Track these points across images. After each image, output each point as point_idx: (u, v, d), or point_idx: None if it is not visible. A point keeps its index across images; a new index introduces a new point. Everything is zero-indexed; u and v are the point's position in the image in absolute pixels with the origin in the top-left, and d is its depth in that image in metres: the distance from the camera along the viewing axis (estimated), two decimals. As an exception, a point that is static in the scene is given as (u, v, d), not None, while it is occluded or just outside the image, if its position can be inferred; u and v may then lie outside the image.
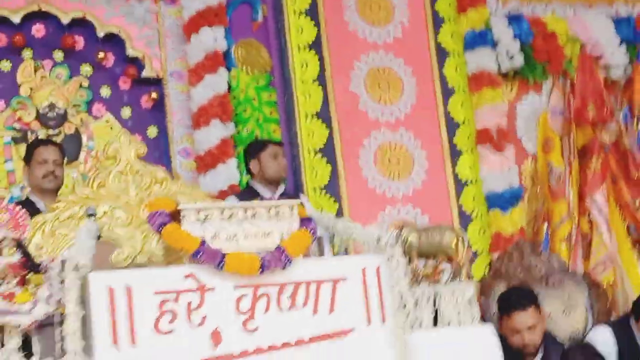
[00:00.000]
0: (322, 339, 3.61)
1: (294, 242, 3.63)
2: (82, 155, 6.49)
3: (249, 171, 5.73)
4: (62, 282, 3.36)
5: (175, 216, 3.62)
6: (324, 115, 6.49)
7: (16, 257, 3.44)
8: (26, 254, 3.48)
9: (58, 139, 6.32)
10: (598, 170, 6.82)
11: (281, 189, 5.66)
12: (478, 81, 6.83)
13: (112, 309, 3.35)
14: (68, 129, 6.45)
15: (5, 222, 3.48)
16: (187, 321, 3.44)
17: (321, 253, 4.33)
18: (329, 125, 6.48)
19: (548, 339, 4.62)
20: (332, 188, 6.39)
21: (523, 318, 4.42)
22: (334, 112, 6.51)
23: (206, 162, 6.37)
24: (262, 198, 5.43)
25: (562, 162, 6.90)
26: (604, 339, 4.61)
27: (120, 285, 3.38)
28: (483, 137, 6.77)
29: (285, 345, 3.55)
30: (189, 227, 3.54)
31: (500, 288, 5.44)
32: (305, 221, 3.74)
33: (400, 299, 3.70)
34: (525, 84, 7.19)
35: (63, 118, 6.44)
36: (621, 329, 4.72)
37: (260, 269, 3.52)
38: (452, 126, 6.79)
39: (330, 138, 6.46)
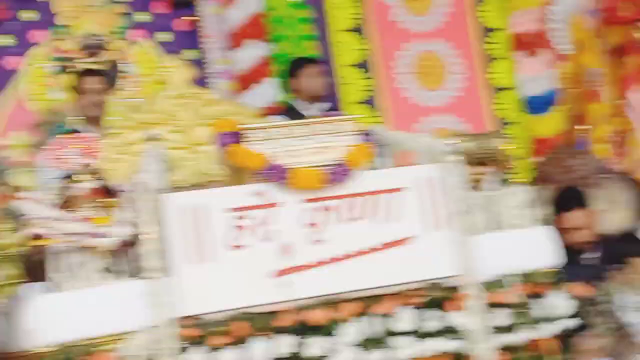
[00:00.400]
0: (385, 248, 3.74)
1: (355, 156, 3.74)
2: (123, 81, 6.59)
3: (290, 90, 5.81)
4: (137, 204, 3.51)
5: (239, 136, 3.73)
6: (358, 29, 6.53)
7: (92, 183, 3.59)
8: (101, 180, 3.63)
9: (99, 66, 6.43)
10: (633, 69, 6.84)
11: (322, 106, 5.75)
12: (511, -14, 6.87)
13: (186, 228, 3.50)
14: (108, 55, 6.55)
15: (81, 150, 3.61)
16: (257, 236, 3.58)
17: (376, 165, 4.44)
18: (364, 39, 6.53)
19: (600, 236, 4.75)
20: (370, 101, 6.48)
21: (574, 217, 4.54)
22: (369, 25, 6.55)
23: (244, 82, 6.47)
24: (304, 116, 5.53)
25: (597, 63, 6.93)
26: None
27: (193, 205, 3.52)
28: (517, 42, 6.81)
29: (352, 254, 3.69)
30: (254, 146, 3.66)
31: (542, 191, 5.55)
32: (364, 134, 3.84)
33: (458, 205, 3.82)
34: (559, -14, 7.21)
35: (103, 45, 6.53)
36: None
37: (324, 183, 3.65)
38: (485, 33, 6.82)
39: (365, 51, 6.51)
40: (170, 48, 6.66)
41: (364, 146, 3.79)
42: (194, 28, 6.70)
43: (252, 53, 6.46)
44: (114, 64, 6.57)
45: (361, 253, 3.70)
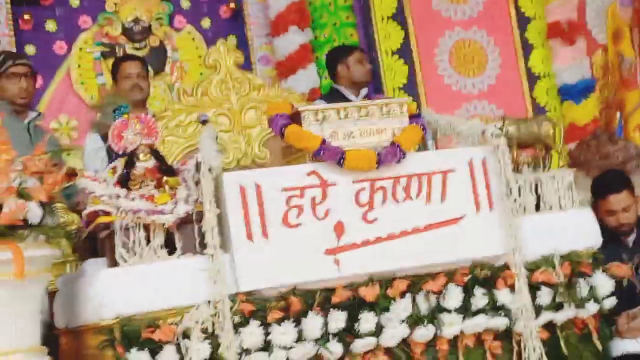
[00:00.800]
0: (435, 227, 3.85)
1: (406, 137, 3.85)
2: (168, 66, 6.73)
3: (333, 75, 5.91)
4: (197, 183, 3.63)
5: (293, 118, 3.85)
6: (399, 16, 6.64)
7: (151, 162, 3.71)
8: (160, 159, 3.75)
9: (144, 52, 6.58)
10: (668, 58, 6.94)
11: (364, 91, 5.85)
12: (548, -25, 6.95)
13: (244, 206, 3.62)
14: (153, 41, 6.69)
15: (140, 130, 3.73)
16: (312, 215, 3.70)
17: (425, 147, 4.56)
18: (404, 26, 6.63)
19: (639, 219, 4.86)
20: (410, 88, 6.59)
21: (618, 200, 4.62)
22: (409, 13, 6.66)
23: (286, 68, 6.60)
24: (350, 101, 5.63)
25: (633, 52, 7.02)
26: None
27: (251, 184, 3.64)
28: (554, 30, 6.89)
29: (402, 233, 3.80)
30: (309, 128, 3.78)
31: (580, 176, 5.64)
32: (415, 117, 3.96)
33: (506, 186, 3.92)
34: (594, -24, 7.28)
35: (147, 31, 6.68)
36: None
37: (378, 164, 3.76)
38: (523, 21, 6.91)
39: (406, 39, 6.62)
40: (213, 34, 6.78)
41: (415, 128, 3.90)
42: (236, 15, 6.82)
43: (293, 39, 6.57)
44: (158, 49, 6.70)
45: (412, 232, 3.81)
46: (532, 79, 6.88)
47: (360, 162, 3.74)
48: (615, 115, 6.97)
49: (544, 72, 6.90)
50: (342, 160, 3.71)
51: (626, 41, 7.06)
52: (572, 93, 6.84)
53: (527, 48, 6.90)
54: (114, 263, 3.64)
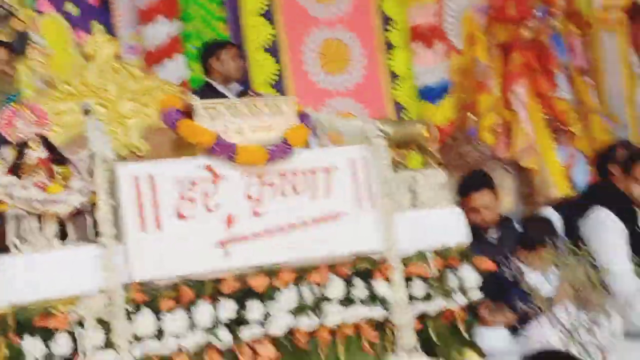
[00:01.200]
0: (319, 221, 4.03)
1: (294, 135, 4.01)
2: (31, 51, 6.61)
3: (206, 69, 5.99)
4: (90, 174, 3.67)
5: (185, 112, 3.94)
6: (268, 13, 6.77)
7: (43, 152, 3.72)
8: (51, 149, 3.76)
9: (7, 36, 6.44)
10: (518, 64, 7.34)
11: (236, 86, 5.97)
12: (410, -19, 7.24)
13: (138, 197, 3.69)
14: (17, 25, 6.55)
15: (30, 119, 3.73)
16: (204, 207, 3.81)
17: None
18: (273, 23, 6.77)
19: (503, 217, 5.19)
20: (278, 83, 6.73)
21: (481, 198, 4.93)
22: (278, 10, 6.80)
23: (154, 59, 6.62)
24: (224, 95, 5.74)
25: (486, 57, 7.39)
26: (555, 219, 5.18)
27: (145, 175, 3.71)
28: (415, 34, 7.19)
29: (289, 227, 3.96)
30: (201, 122, 3.88)
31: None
32: (303, 115, 4.12)
33: (385, 184, 4.14)
34: (452, -17, 7.62)
35: (10, 14, 6.53)
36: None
37: (268, 160, 3.90)
38: (387, 23, 7.17)
39: (275, 35, 6.76)
40: (78, 20, 6.72)
41: (303, 126, 4.06)
42: (104, 2, 6.78)
43: (162, 30, 6.60)
44: (22, 34, 6.58)
45: (298, 226, 3.97)
46: (394, 79, 7.15)
47: (252, 157, 3.87)
48: (469, 117, 7.32)
49: (405, 74, 7.19)
50: (234, 155, 3.83)
51: (480, 46, 7.42)
52: (430, 94, 7.15)
53: (390, 49, 7.17)
54: (1, 251, 3.65)
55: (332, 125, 4.39)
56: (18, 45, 6.37)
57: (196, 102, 3.93)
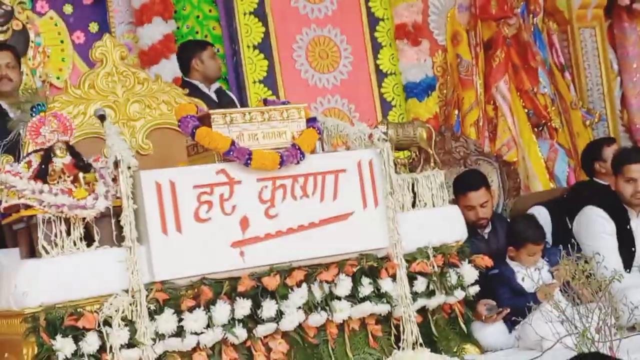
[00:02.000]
0: (328, 222, 4.24)
1: (305, 140, 4.21)
2: (30, 51, 6.75)
3: (186, 68, 6.16)
4: (114, 179, 3.85)
5: (201, 120, 4.13)
6: (260, 12, 6.95)
7: (68, 158, 3.90)
8: (76, 155, 3.94)
9: (6, 36, 6.57)
10: (501, 61, 7.60)
11: (215, 85, 6.17)
12: (395, -20, 7.44)
13: (160, 202, 3.88)
14: (15, 25, 6.69)
15: (56, 127, 3.90)
16: (220, 210, 4.01)
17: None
18: (264, 21, 6.95)
19: (494, 214, 5.43)
20: (269, 81, 6.92)
21: (477, 196, 5.17)
22: (269, 9, 6.97)
23: (150, 58, 6.75)
24: (208, 95, 5.93)
25: (470, 54, 7.63)
26: (542, 215, 5.42)
27: (166, 181, 3.90)
28: (401, 31, 7.39)
29: (300, 228, 4.17)
30: (218, 129, 4.07)
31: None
32: (311, 121, 4.32)
33: (390, 185, 4.35)
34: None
35: (10, 15, 6.66)
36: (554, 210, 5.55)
37: (280, 164, 4.10)
38: (373, 22, 7.36)
39: (266, 34, 6.94)
40: (75, 20, 6.85)
41: (312, 132, 4.26)
42: (99, 1, 6.91)
43: (157, 30, 6.74)
44: (21, 34, 6.71)
45: (308, 227, 4.19)
46: (381, 76, 7.35)
47: (266, 162, 4.07)
48: (454, 112, 7.57)
49: (391, 70, 7.39)
50: (249, 160, 4.03)
51: (464, 44, 7.66)
52: (415, 91, 7.35)
53: (376, 47, 7.36)
54: (28, 254, 3.83)
55: (338, 129, 4.58)
56: (17, 45, 6.48)
57: (213, 110, 4.12)
